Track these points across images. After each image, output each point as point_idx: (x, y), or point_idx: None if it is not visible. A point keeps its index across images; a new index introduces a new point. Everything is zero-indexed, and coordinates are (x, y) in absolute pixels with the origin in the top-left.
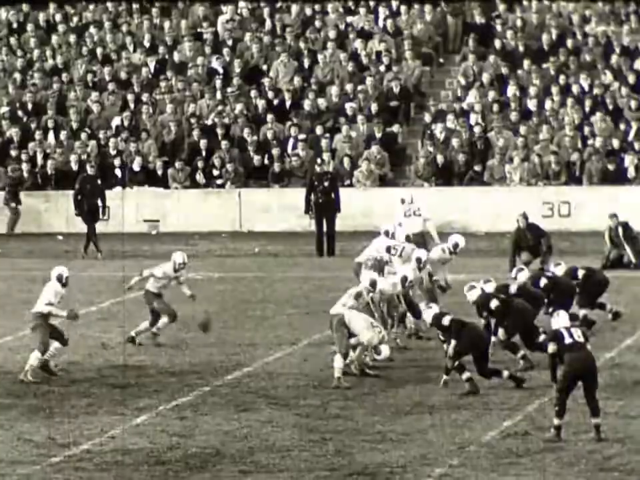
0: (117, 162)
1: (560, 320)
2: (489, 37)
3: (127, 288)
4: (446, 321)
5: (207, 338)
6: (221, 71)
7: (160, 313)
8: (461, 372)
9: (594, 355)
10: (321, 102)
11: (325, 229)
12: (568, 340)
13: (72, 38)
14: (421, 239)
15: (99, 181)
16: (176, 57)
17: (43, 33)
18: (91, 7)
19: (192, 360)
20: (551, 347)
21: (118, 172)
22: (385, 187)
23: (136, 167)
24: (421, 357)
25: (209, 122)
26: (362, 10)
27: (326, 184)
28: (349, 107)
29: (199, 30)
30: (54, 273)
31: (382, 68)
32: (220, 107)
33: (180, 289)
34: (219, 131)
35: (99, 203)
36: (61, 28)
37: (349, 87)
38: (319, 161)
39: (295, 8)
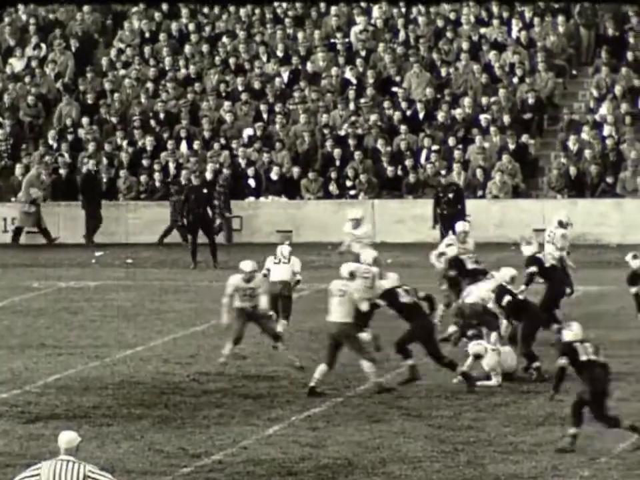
0: (250, 172)
1: (573, 333)
2: (622, 48)
3: None
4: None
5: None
6: (354, 81)
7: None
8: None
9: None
10: (454, 113)
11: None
12: (583, 357)
13: (205, 48)
14: None
15: (206, 191)
16: (309, 67)
17: (176, 43)
18: (224, 16)
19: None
20: (563, 361)
21: (252, 182)
22: (517, 198)
23: (274, 176)
24: (551, 367)
25: (342, 132)
26: (495, 21)
27: (451, 195)
28: (482, 118)
29: (332, 40)
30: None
31: (515, 79)
32: (353, 118)
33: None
34: (352, 142)
35: (209, 213)
36: (193, 38)
37: (482, 99)
38: (443, 172)
39: (424, 19)
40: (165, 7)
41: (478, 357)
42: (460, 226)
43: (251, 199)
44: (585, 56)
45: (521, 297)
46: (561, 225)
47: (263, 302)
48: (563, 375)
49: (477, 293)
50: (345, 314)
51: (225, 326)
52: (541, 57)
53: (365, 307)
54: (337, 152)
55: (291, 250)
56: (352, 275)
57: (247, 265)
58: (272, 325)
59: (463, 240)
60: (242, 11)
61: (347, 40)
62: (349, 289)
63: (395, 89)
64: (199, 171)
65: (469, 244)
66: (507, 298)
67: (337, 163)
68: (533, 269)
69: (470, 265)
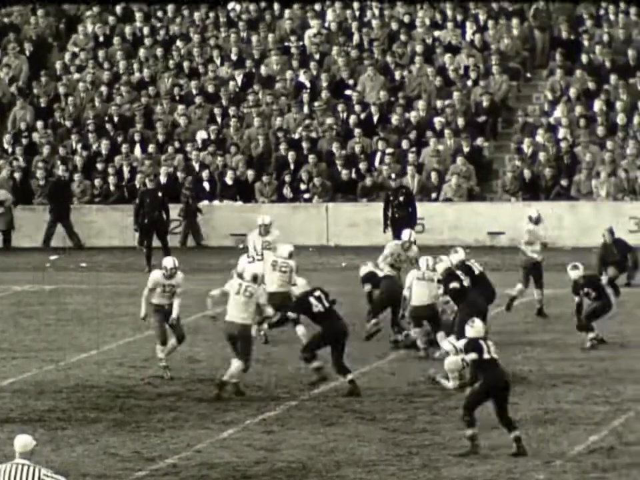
0: (204, 175)
1: (475, 330)
2: (576, 51)
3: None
4: None
5: (293, 352)
6: (308, 84)
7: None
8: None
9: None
10: (409, 116)
11: None
12: (485, 355)
13: (159, 51)
14: None
15: (160, 194)
16: (263, 70)
17: (130, 46)
18: (178, 20)
19: (279, 374)
20: (473, 356)
21: (206, 185)
22: (472, 201)
23: (228, 180)
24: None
25: (296, 136)
26: (449, 24)
27: (401, 198)
28: (437, 121)
29: (286, 44)
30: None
31: (469, 82)
32: (307, 121)
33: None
34: (306, 145)
35: (163, 216)
36: (147, 41)
37: (437, 102)
38: (393, 175)
39: (378, 23)
40: (118, 10)
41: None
42: (406, 234)
43: (206, 202)
44: (539, 59)
45: (465, 283)
46: (530, 220)
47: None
48: (476, 371)
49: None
50: (246, 315)
51: (142, 318)
52: (495, 59)
53: (270, 311)
54: (291, 155)
55: (291, 251)
56: (255, 279)
57: (168, 262)
58: (180, 326)
59: (407, 248)
60: (196, 15)
61: (300, 43)
62: (256, 293)
63: (348, 92)
64: (154, 174)
65: (412, 251)
66: (454, 284)
67: (292, 166)
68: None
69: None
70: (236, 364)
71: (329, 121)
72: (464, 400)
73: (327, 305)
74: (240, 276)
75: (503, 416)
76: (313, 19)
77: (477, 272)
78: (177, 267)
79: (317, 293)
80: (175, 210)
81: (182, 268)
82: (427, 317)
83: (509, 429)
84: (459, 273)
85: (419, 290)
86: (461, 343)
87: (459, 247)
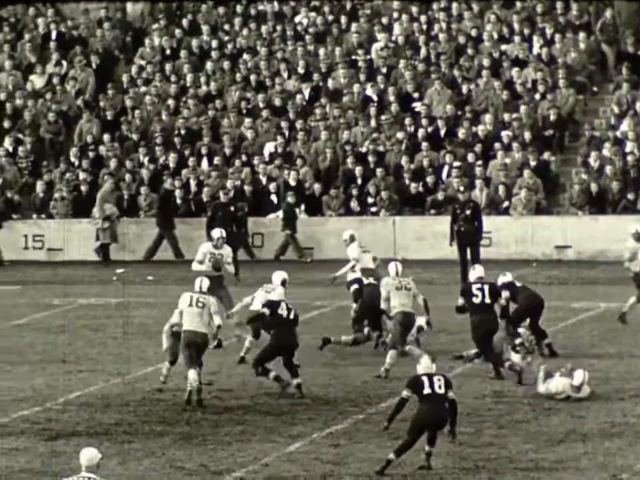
0: (272, 188)
1: (422, 366)
2: None
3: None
4: None
5: (360, 366)
6: (375, 98)
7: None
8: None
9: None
10: (476, 130)
11: (468, 257)
12: (427, 390)
13: (226, 64)
14: None
15: (232, 208)
16: (330, 84)
17: (197, 59)
18: (245, 33)
19: (346, 388)
20: (405, 393)
21: (274, 198)
22: (539, 214)
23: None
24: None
25: (364, 149)
26: (516, 38)
27: (468, 212)
28: (504, 134)
29: (353, 57)
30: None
31: (536, 96)
32: (374, 135)
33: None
34: (373, 159)
35: (234, 230)
36: (214, 54)
37: (504, 116)
38: (461, 189)
39: (445, 36)
40: (185, 23)
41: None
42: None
43: (272, 215)
44: (605, 72)
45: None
46: (633, 236)
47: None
48: (401, 407)
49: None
50: (202, 324)
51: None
52: (562, 73)
53: (217, 321)
54: (358, 169)
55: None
56: (209, 290)
57: (216, 232)
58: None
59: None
60: (263, 28)
61: (368, 57)
62: (208, 302)
63: (416, 105)
64: (229, 188)
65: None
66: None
67: (359, 179)
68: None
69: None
70: (192, 374)
71: (397, 134)
72: (408, 432)
73: (291, 316)
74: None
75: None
76: (380, 32)
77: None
78: (224, 237)
79: (289, 305)
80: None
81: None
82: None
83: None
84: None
85: (400, 300)
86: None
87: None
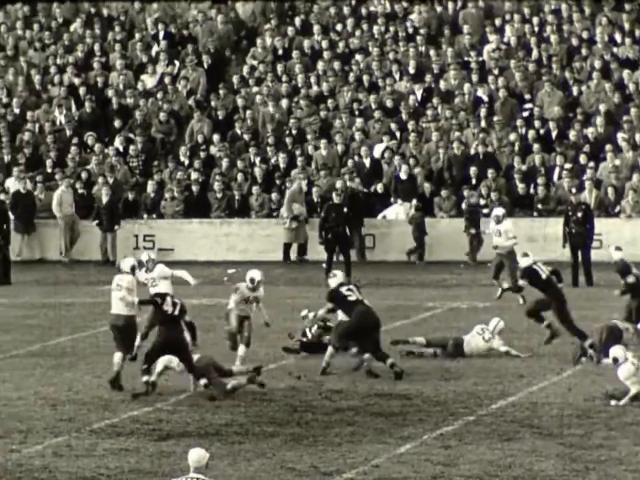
0: (379, 189)
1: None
2: None
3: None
4: None
5: (470, 368)
6: (486, 99)
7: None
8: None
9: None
10: (586, 132)
11: (579, 259)
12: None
13: (337, 65)
14: None
15: (346, 209)
16: (442, 85)
17: (308, 60)
18: (357, 33)
19: (456, 389)
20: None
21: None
22: None
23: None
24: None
25: (475, 150)
26: (627, 40)
27: (580, 214)
28: (619, 137)
29: (465, 58)
30: None
31: None
32: (485, 136)
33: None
34: (485, 160)
35: (347, 231)
36: (326, 55)
37: (615, 117)
38: (573, 190)
39: (556, 38)
40: (297, 23)
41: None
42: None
43: (381, 216)
44: None
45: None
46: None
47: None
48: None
49: None
50: (124, 307)
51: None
52: None
53: (130, 298)
54: (470, 170)
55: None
56: (133, 270)
57: (255, 274)
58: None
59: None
60: (375, 29)
61: (480, 58)
62: (124, 282)
63: (527, 107)
64: (341, 190)
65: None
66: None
67: (472, 181)
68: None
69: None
70: (117, 355)
71: (509, 136)
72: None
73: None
74: None
75: None
76: (492, 34)
77: (544, 276)
78: (261, 281)
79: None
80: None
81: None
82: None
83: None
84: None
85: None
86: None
87: (529, 252)
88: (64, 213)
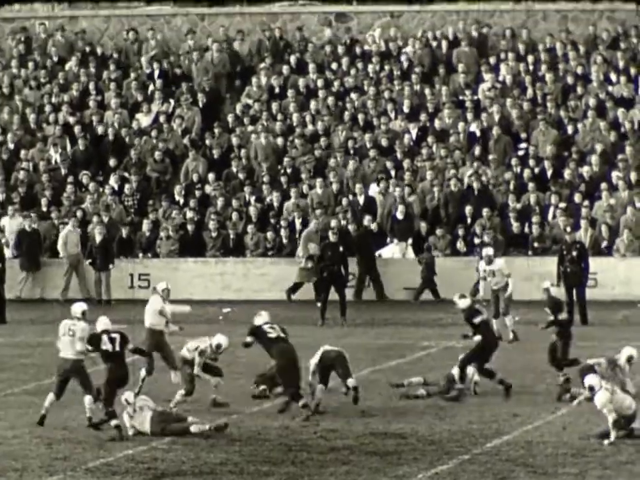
0: (373, 227)
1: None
2: None
3: None
4: None
5: (465, 407)
6: (481, 137)
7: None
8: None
9: None
10: (581, 170)
11: (574, 298)
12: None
13: (332, 103)
14: None
15: (341, 248)
16: (437, 124)
17: (303, 98)
18: (352, 72)
19: (451, 428)
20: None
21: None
22: None
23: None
24: None
25: (470, 189)
26: (622, 78)
27: (575, 253)
28: (614, 175)
29: (460, 97)
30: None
31: None
32: (481, 174)
33: None
34: (480, 199)
35: (342, 270)
36: (321, 93)
37: (610, 156)
38: (568, 229)
39: (551, 77)
40: (292, 61)
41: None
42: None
43: (377, 255)
44: None
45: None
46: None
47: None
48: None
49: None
50: (74, 351)
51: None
52: None
53: (80, 347)
54: (465, 209)
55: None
56: (84, 315)
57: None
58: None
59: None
60: (369, 67)
61: (474, 97)
62: (77, 329)
63: (522, 146)
64: (331, 229)
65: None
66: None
67: (467, 219)
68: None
69: None
70: (87, 400)
71: (504, 174)
72: None
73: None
74: None
75: None
76: (487, 72)
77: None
78: (227, 348)
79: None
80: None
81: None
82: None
83: None
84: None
85: None
86: None
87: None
88: (69, 252)
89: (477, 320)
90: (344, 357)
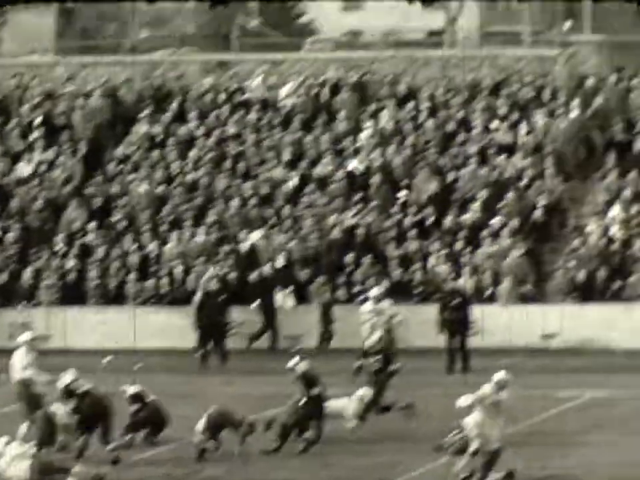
0: (255, 276)
1: None
2: (631, 153)
3: None
4: None
5: (350, 453)
6: (362, 184)
7: None
8: None
9: None
10: (462, 219)
11: (458, 346)
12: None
13: (213, 152)
14: None
15: (222, 297)
16: (317, 170)
17: (184, 147)
18: (233, 119)
19: (335, 474)
20: None
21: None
22: (526, 303)
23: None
24: None
25: (351, 236)
26: (503, 125)
27: (456, 301)
28: (492, 222)
29: (341, 144)
30: None
31: (524, 183)
32: (362, 221)
33: None
34: (362, 246)
35: (223, 320)
36: (201, 141)
37: (491, 203)
38: (449, 276)
39: (432, 124)
40: (173, 109)
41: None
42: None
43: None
44: (594, 159)
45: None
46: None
47: None
48: None
49: None
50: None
51: None
52: (550, 160)
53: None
54: (346, 256)
55: None
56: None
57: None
58: None
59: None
60: (250, 115)
61: (356, 144)
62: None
63: (403, 193)
64: (217, 276)
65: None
66: None
67: (346, 267)
68: None
69: None
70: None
71: (385, 221)
72: None
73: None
74: None
75: None
76: (368, 119)
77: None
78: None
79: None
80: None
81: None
82: None
83: None
84: None
85: None
86: None
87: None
88: None
89: None
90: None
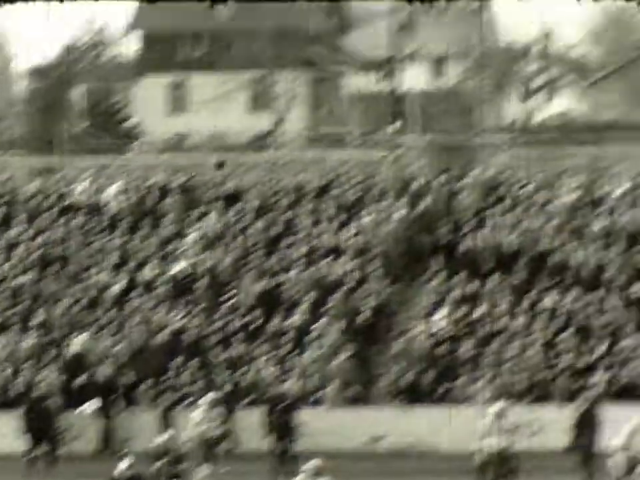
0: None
1: None
2: (457, 254)
3: None
4: None
5: None
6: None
7: None
8: None
9: None
10: (289, 322)
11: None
12: None
13: (38, 254)
14: None
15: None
16: (145, 273)
17: (7, 252)
18: (59, 223)
19: None
20: None
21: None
22: (353, 405)
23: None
24: None
25: (175, 339)
26: (330, 227)
27: (280, 407)
28: (315, 326)
29: (168, 247)
30: None
31: (350, 287)
32: (188, 324)
33: None
34: (187, 349)
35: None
36: (24, 246)
37: (317, 306)
38: (274, 380)
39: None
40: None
41: None
42: None
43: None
44: (420, 262)
45: None
46: None
47: None
48: None
49: None
50: None
51: None
52: (376, 263)
53: None
54: (174, 361)
55: None
56: None
57: None
58: None
59: None
60: (76, 219)
61: (182, 247)
62: None
63: (229, 295)
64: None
65: None
66: None
67: (176, 371)
68: None
69: None
70: None
71: (213, 324)
72: None
73: None
74: None
75: None
76: (194, 222)
77: None
78: None
79: None
80: None
81: None
82: None
83: None
84: None
85: None
86: None
87: None
88: None
89: None
90: None
